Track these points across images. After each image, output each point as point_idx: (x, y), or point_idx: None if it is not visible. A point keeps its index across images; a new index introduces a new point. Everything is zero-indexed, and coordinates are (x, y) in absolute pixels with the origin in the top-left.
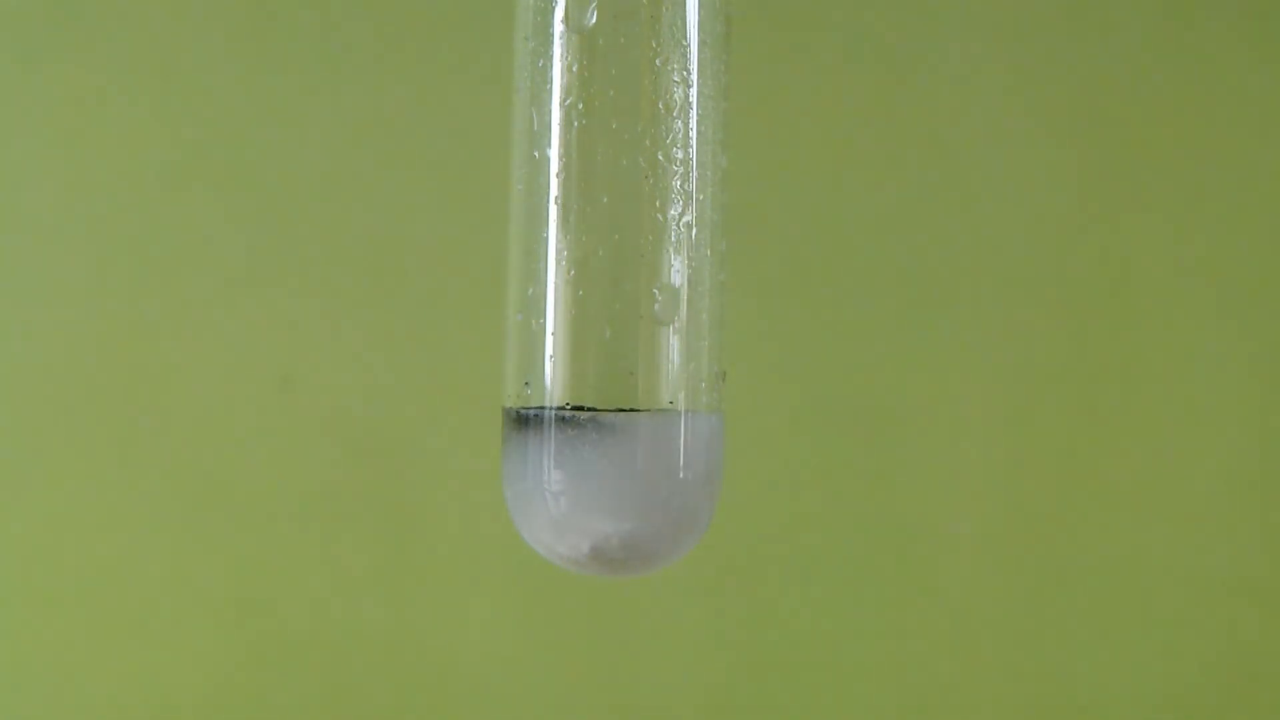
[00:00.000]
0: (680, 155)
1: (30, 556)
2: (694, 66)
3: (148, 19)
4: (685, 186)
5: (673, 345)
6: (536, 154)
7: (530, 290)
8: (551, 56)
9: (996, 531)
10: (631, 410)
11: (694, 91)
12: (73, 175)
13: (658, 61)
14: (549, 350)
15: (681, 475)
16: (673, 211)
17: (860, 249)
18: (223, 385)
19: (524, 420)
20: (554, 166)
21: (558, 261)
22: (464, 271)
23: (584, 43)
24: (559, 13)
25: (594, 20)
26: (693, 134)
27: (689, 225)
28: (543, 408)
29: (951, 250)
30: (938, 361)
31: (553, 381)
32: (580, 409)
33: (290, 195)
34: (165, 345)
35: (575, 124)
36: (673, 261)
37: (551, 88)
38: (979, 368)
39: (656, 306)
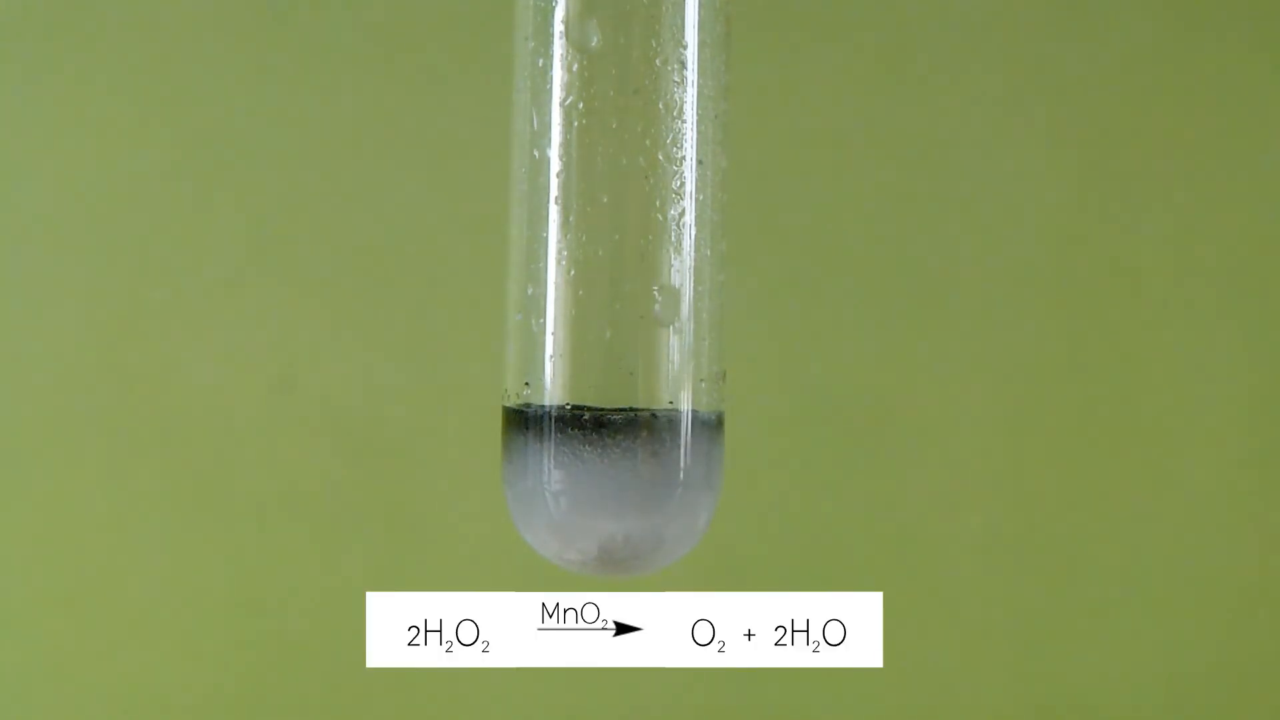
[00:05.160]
0: (680, 155)
1: (29, 556)
2: (694, 66)
3: (147, 18)
4: (685, 186)
5: (673, 345)
6: (536, 154)
7: (530, 290)
8: (551, 56)
9: (996, 531)
10: (632, 410)
11: (694, 91)
12: (71, 174)
13: (658, 61)
14: (549, 350)
15: (681, 475)
16: (673, 211)
17: (860, 249)
18: (222, 385)
19: (525, 420)
20: (554, 166)
21: (558, 261)
22: (464, 271)
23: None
24: (559, 13)
25: (596, 41)
26: (693, 134)
27: (689, 225)
28: (544, 407)
29: (951, 250)
30: (938, 361)
31: (553, 381)
32: (581, 409)
33: (290, 195)
34: (164, 345)
35: (575, 124)
36: (673, 261)
37: (551, 88)
38: (979, 368)
39: (656, 307)
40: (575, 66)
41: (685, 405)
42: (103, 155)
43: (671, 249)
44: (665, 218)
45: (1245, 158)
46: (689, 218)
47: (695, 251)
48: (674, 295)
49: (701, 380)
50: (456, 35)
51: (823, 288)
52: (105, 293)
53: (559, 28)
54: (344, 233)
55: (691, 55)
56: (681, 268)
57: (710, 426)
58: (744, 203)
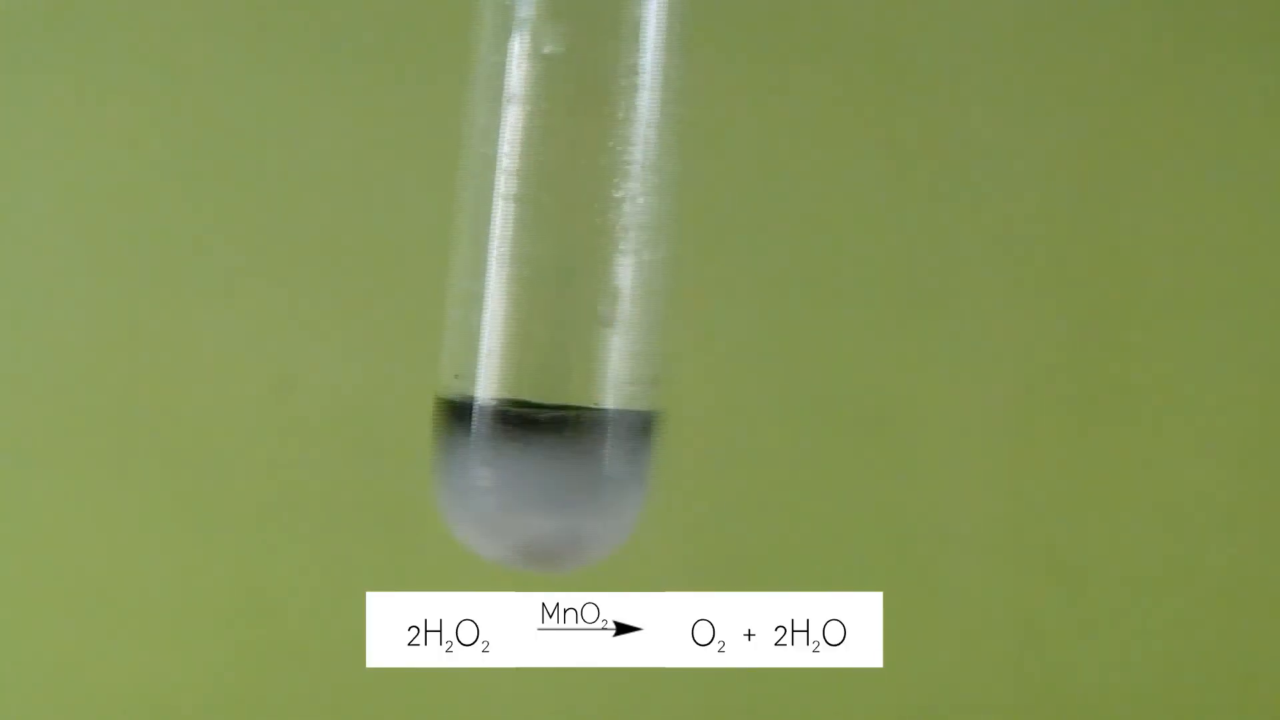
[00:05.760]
0: (630, 158)
1: (29, 557)
2: (649, 67)
3: (147, 18)
4: (633, 188)
5: (610, 345)
6: (485, 151)
7: (470, 285)
8: (509, 55)
9: (996, 531)
10: (563, 407)
11: (648, 94)
12: (70, 174)
13: (614, 62)
14: (485, 346)
15: (607, 472)
16: (618, 213)
17: (860, 248)
18: (222, 385)
19: (456, 414)
20: (503, 164)
21: (500, 259)
22: None
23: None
24: (520, 11)
25: (554, 41)
26: (644, 135)
27: (634, 229)
28: (472, 399)
29: (952, 250)
30: (938, 361)
31: (486, 376)
32: (512, 404)
33: (290, 195)
34: (164, 344)
35: (526, 124)
36: (617, 263)
37: (506, 86)
38: (979, 367)
39: (599, 308)
40: (531, 66)
41: (617, 403)
42: (101, 154)
43: (616, 250)
44: (610, 219)
45: (1248, 157)
46: (635, 220)
47: (638, 255)
48: (615, 295)
49: (635, 383)
50: (457, 35)
51: (821, 287)
52: (103, 292)
53: (517, 26)
54: (344, 232)
55: (649, 57)
56: (625, 270)
57: (642, 425)
58: (743, 202)
